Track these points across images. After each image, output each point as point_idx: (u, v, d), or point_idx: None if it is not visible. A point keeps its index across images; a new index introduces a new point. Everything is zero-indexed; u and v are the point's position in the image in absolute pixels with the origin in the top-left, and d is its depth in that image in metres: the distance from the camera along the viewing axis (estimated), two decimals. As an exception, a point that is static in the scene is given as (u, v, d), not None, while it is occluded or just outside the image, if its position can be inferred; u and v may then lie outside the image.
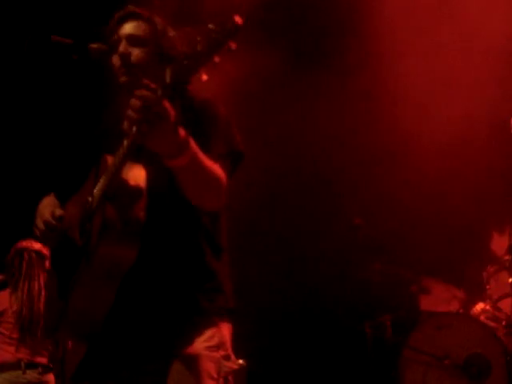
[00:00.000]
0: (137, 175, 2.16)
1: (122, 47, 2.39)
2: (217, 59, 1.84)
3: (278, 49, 5.25)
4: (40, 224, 2.35)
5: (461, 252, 5.60)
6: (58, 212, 2.33)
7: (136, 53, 2.37)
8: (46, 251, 4.83)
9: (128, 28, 2.43)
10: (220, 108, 2.36)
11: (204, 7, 4.51)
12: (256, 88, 5.25)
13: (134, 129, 1.91)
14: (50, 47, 2.33)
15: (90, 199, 2.26)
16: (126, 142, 2.06)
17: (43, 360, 4.72)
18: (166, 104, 1.90)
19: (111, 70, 2.38)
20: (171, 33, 2.42)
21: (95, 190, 2.23)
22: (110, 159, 2.21)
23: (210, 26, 1.83)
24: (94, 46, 2.38)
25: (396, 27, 5.25)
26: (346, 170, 5.91)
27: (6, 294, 4.87)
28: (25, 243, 4.97)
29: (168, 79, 1.87)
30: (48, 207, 2.42)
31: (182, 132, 1.97)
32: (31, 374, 4.61)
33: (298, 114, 5.72)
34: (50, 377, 4.71)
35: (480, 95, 5.30)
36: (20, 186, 5.47)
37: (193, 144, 2.02)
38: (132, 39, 2.40)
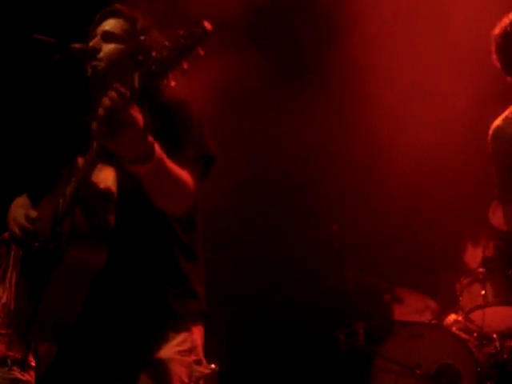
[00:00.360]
0: (107, 178, 2.14)
1: (93, 42, 2.39)
2: (185, 65, 1.83)
3: (260, 55, 5.26)
4: (15, 229, 2.32)
5: (435, 263, 5.63)
6: (33, 214, 2.31)
7: (107, 49, 2.38)
8: None
9: (106, 25, 2.44)
10: (193, 110, 2.35)
11: (189, 11, 4.51)
12: (236, 93, 5.26)
13: (101, 129, 1.90)
14: (32, 46, 2.32)
15: (61, 201, 2.25)
16: (95, 144, 2.05)
17: (14, 353, 4.64)
18: (133, 110, 1.90)
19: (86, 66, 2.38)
20: (153, 35, 2.41)
21: (65, 195, 2.22)
22: (81, 161, 2.19)
23: (179, 31, 1.82)
24: (76, 45, 2.37)
25: (377, 38, 5.29)
26: (323, 178, 5.92)
27: None
28: None
29: (136, 84, 1.86)
30: (21, 209, 2.40)
31: (148, 138, 1.96)
32: (17, 371, 4.53)
33: (276, 122, 5.73)
34: (26, 376, 4.65)
35: (456, 106, 5.36)
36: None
37: (158, 150, 2.01)
38: (107, 35, 2.41)
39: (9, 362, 4.44)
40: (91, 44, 2.39)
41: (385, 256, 5.74)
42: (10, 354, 4.46)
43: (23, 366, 4.52)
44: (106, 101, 1.87)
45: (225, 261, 5.46)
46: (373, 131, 5.59)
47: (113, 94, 1.87)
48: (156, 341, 2.17)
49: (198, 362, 2.22)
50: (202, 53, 1.82)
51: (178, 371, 2.14)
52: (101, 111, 1.88)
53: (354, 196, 5.90)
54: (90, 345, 2.22)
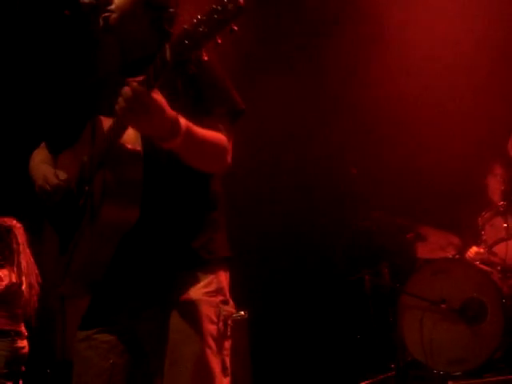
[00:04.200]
0: (133, 137, 2.18)
1: None
2: (219, 40, 1.82)
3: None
4: (46, 185, 2.38)
5: (456, 199, 5.65)
6: (62, 175, 2.37)
7: (119, 1, 2.35)
8: (21, 226, 5.15)
9: None
10: (217, 66, 2.34)
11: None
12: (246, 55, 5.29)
13: (123, 116, 1.97)
14: (42, 2, 2.33)
15: (86, 159, 2.30)
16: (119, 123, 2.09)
17: (16, 327, 4.95)
18: (155, 94, 1.93)
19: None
20: None
21: (92, 155, 2.26)
22: (105, 121, 2.22)
23: (213, 5, 1.78)
24: (86, 1, 2.38)
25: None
26: (342, 121, 5.93)
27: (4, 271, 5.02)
28: (5, 222, 5.11)
29: (168, 57, 1.86)
30: (47, 166, 2.46)
31: (172, 114, 2.00)
32: (18, 341, 4.90)
33: (289, 73, 5.77)
34: (23, 343, 4.97)
35: (469, 49, 5.36)
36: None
37: (184, 122, 2.04)
38: None
39: (12, 333, 4.93)
40: None
41: (406, 195, 5.77)
42: (13, 327, 4.88)
43: (21, 335, 5.02)
44: (127, 91, 1.91)
45: (248, 206, 5.52)
46: (387, 71, 5.59)
47: (133, 84, 1.90)
48: (184, 283, 2.23)
49: (225, 302, 2.28)
50: (235, 28, 1.80)
51: (207, 311, 2.21)
52: (121, 101, 1.93)
53: (372, 138, 5.91)
54: (120, 290, 2.29)
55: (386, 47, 5.62)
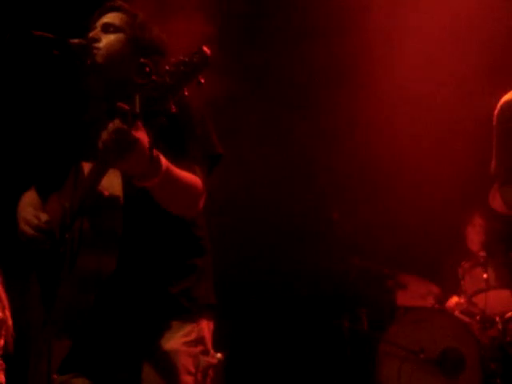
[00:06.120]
0: (113, 184, 2.15)
1: (92, 33, 2.39)
2: (186, 92, 1.83)
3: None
4: (27, 228, 2.30)
5: (437, 248, 5.66)
6: (44, 217, 2.30)
7: (107, 39, 2.36)
8: None
9: (106, 17, 2.44)
10: (195, 107, 2.34)
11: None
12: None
13: (107, 152, 1.92)
14: (31, 42, 2.31)
15: (67, 206, 2.26)
16: (100, 164, 2.05)
17: None
18: (138, 131, 1.90)
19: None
20: (154, 31, 2.42)
21: (72, 201, 2.23)
22: (86, 167, 2.19)
23: (181, 57, 1.80)
24: (75, 41, 2.37)
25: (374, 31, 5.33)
26: (325, 165, 5.95)
27: None
28: None
29: (137, 108, 1.85)
30: (31, 208, 2.40)
31: (153, 154, 1.97)
32: None
33: (278, 116, 5.80)
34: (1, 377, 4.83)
35: (454, 90, 5.41)
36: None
37: (164, 162, 2.02)
38: (106, 27, 2.40)
39: None
40: (91, 35, 2.38)
41: (387, 242, 5.76)
42: None
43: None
44: (110, 126, 1.88)
45: (229, 253, 5.48)
46: (371, 118, 5.62)
47: (116, 123, 1.87)
48: (162, 333, 2.19)
49: (205, 353, 2.24)
50: (202, 81, 1.81)
51: (185, 362, 2.17)
52: (105, 135, 1.89)
53: (354, 184, 5.93)
54: (99, 338, 2.25)
55: (369, 93, 5.66)
